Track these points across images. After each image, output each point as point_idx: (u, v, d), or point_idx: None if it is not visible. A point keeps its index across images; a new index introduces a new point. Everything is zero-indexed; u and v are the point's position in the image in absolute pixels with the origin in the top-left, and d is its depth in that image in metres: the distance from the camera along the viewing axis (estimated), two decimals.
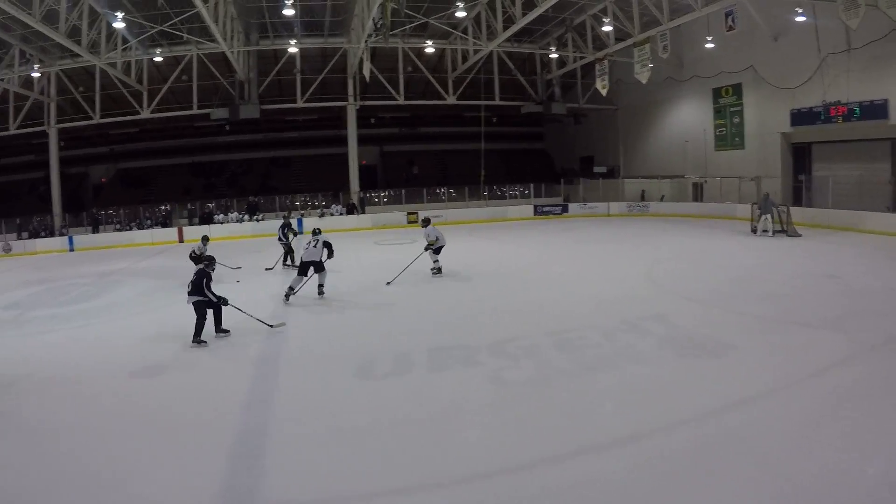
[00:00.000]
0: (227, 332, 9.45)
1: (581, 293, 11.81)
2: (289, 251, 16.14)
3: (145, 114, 29.64)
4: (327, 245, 12.13)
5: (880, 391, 6.25)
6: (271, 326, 9.75)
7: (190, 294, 9.13)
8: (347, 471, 5.00)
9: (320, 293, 12.27)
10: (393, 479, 4.88)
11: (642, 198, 29.83)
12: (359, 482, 4.84)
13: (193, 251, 13.95)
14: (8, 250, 25.03)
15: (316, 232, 12.58)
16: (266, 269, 15.99)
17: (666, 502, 4.47)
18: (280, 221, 17.62)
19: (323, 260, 12.01)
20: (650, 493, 4.56)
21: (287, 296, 11.94)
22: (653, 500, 4.50)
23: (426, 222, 13.98)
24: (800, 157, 24.52)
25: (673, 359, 7.58)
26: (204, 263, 9.34)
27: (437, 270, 14.00)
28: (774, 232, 18.70)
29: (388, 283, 13.11)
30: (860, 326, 8.54)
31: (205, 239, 14.62)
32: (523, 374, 7.25)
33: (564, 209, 30.09)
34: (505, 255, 14.89)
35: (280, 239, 16.29)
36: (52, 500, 4.78)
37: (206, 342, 8.99)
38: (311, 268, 11.97)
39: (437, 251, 13.83)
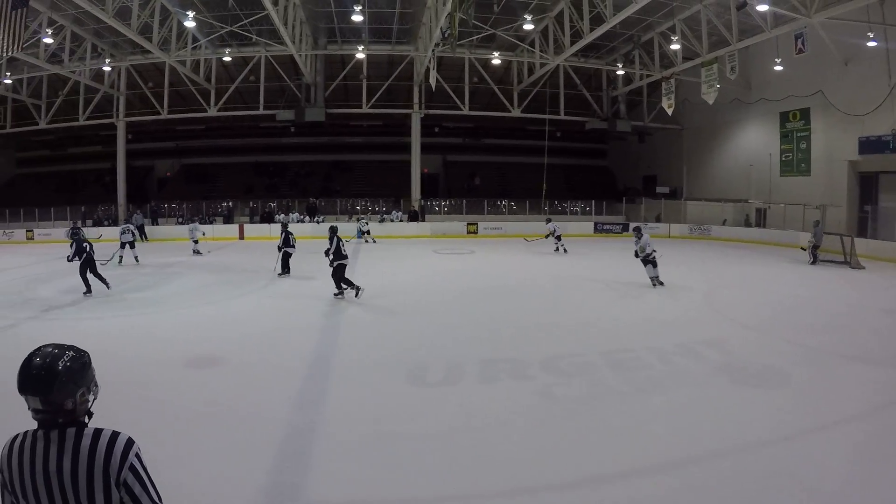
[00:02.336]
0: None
1: (638, 313, 11.78)
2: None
3: (212, 112, 30.65)
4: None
5: None
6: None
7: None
8: (390, 476, 5.02)
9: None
10: (434, 488, 4.89)
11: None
12: (401, 488, 4.85)
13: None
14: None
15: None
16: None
17: None
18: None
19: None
20: None
21: None
22: None
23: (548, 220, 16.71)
24: (867, 186, 24.02)
25: (726, 385, 7.42)
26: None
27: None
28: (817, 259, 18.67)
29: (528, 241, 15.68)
30: None
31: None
32: (574, 391, 7.21)
33: (625, 228, 29.70)
34: (562, 271, 14.96)
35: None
36: None
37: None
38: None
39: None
